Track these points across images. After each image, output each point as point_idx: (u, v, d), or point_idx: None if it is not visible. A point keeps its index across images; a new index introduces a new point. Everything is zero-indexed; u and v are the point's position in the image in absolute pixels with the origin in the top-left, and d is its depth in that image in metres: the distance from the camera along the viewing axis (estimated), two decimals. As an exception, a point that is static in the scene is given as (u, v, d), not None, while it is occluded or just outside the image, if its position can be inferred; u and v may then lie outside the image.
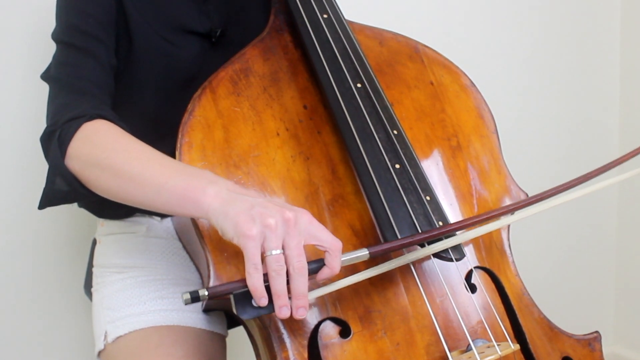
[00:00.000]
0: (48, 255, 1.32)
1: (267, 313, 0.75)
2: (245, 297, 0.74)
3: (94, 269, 1.12)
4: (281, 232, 0.72)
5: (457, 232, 0.87)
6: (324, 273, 0.76)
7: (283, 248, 0.72)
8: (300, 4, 0.99)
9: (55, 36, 0.98)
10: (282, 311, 0.73)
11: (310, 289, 0.77)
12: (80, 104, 0.89)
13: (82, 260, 1.20)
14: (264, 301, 0.73)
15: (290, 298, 0.74)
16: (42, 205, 0.92)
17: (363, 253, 0.79)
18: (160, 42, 1.01)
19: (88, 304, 1.12)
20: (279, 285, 0.72)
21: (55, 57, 0.97)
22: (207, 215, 0.76)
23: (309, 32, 0.97)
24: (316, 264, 0.76)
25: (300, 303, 0.74)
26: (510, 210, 0.88)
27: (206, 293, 0.73)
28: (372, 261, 0.82)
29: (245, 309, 0.75)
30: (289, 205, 0.76)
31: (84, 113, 0.87)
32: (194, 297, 0.73)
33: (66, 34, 0.97)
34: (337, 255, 0.75)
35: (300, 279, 0.73)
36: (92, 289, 1.11)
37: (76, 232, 1.31)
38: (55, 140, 0.86)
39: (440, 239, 0.85)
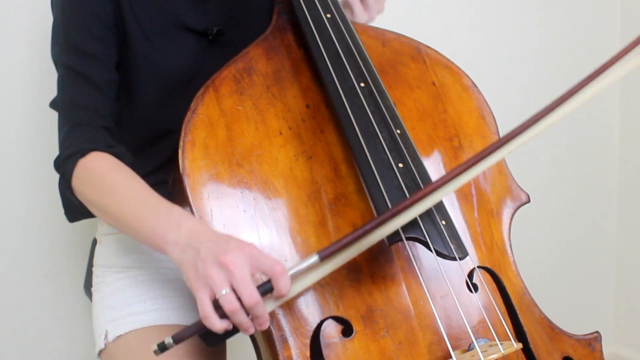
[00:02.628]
0: (48, 255, 1.31)
1: (234, 334, 0.80)
2: (210, 331, 0.79)
3: (94, 269, 1.12)
4: (223, 276, 0.76)
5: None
6: (274, 296, 0.79)
7: (231, 287, 0.76)
8: (304, 3, 0.99)
9: (55, 56, 1.00)
10: (249, 331, 0.79)
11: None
12: (76, 137, 0.95)
13: (82, 260, 1.20)
14: (229, 328, 0.78)
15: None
16: (70, 220, 1.03)
17: (313, 259, 0.80)
18: (155, 43, 1.01)
19: (88, 304, 1.12)
20: (237, 320, 0.78)
21: (58, 81, 1.00)
22: (173, 262, 0.82)
23: (312, 32, 0.97)
24: (265, 285, 0.78)
25: (261, 321, 0.79)
26: (500, 145, 0.84)
27: (172, 341, 0.78)
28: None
29: (213, 340, 0.81)
30: (231, 244, 0.78)
31: (77, 150, 0.92)
32: (161, 347, 0.78)
33: (64, 54, 0.98)
34: (278, 279, 0.77)
35: (256, 309, 0.77)
36: (92, 289, 1.10)
37: (76, 232, 1.31)
38: (61, 176, 0.94)
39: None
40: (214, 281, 0.76)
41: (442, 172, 0.98)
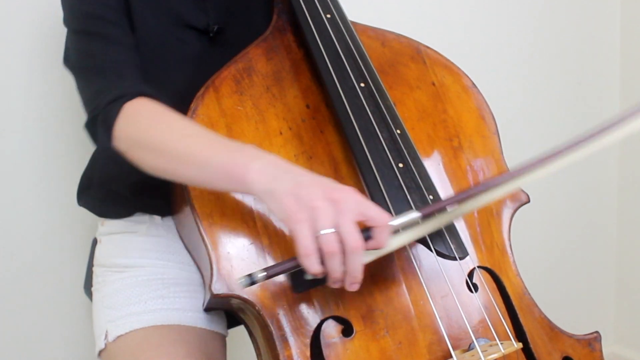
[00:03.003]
0: (48, 255, 1.31)
1: (320, 285, 0.77)
2: (299, 273, 0.75)
3: (94, 269, 1.12)
4: (330, 212, 0.70)
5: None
6: (371, 246, 0.74)
7: (335, 227, 0.71)
8: (304, 3, 0.99)
9: (70, 25, 0.98)
10: (336, 285, 0.75)
11: None
12: (118, 85, 0.89)
13: (82, 260, 1.19)
14: (321, 276, 0.74)
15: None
16: (79, 200, 0.95)
17: (414, 215, 0.78)
18: (161, 33, 1.01)
19: (88, 304, 1.11)
20: (334, 265, 0.72)
21: (74, 46, 0.96)
22: (251, 192, 0.76)
23: (312, 32, 0.97)
24: (364, 233, 0.74)
25: (354, 279, 0.74)
26: (515, 176, 0.83)
27: (264, 274, 0.74)
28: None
29: (300, 284, 0.77)
30: (334, 183, 0.75)
31: (123, 93, 0.87)
32: (250, 280, 0.73)
33: (82, 22, 0.96)
34: (385, 230, 0.74)
35: (356, 258, 0.72)
36: (93, 289, 1.10)
37: (76, 232, 1.31)
38: (100, 124, 0.87)
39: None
40: (320, 215, 0.70)
41: (442, 173, 0.98)
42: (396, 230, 0.78)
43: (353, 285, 0.75)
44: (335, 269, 0.72)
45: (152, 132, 0.84)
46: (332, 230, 0.70)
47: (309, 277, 0.75)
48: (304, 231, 0.70)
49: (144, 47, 1.00)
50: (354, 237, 0.71)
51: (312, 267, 0.71)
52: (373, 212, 0.74)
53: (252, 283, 0.74)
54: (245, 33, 1.03)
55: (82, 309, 1.30)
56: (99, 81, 0.91)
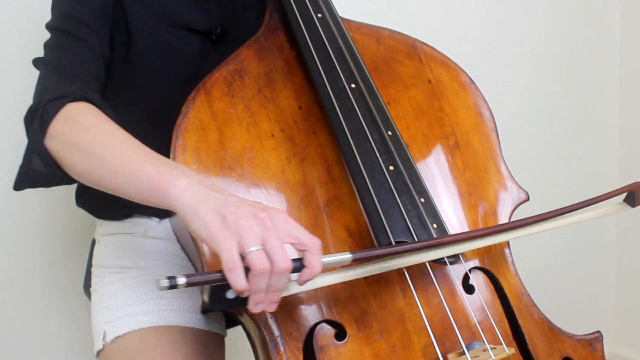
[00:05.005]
0: (48, 255, 1.32)
1: (239, 306, 0.73)
2: (221, 288, 0.72)
3: (92, 269, 1.12)
4: (258, 230, 0.68)
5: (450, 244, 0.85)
6: (306, 274, 0.71)
7: (263, 246, 0.68)
8: (294, 3, 0.98)
9: (49, 24, 0.98)
10: (257, 307, 0.71)
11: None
12: (67, 85, 0.87)
13: (82, 260, 1.20)
14: (245, 293, 0.70)
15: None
16: (17, 186, 0.89)
17: (346, 256, 0.75)
18: (162, 36, 1.00)
19: (88, 304, 1.12)
20: (259, 285, 0.69)
21: (47, 42, 0.96)
22: (175, 208, 0.72)
23: (303, 32, 0.96)
24: (297, 262, 0.71)
25: (275, 298, 0.72)
26: (511, 228, 0.87)
27: (184, 281, 0.68)
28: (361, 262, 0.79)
29: (218, 301, 0.73)
30: (262, 204, 0.73)
31: (69, 94, 0.85)
32: (171, 285, 0.68)
33: (60, 22, 0.96)
34: (317, 254, 0.71)
35: (282, 278, 0.70)
36: (91, 289, 1.11)
37: (76, 232, 1.31)
38: (37, 119, 0.84)
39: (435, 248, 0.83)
40: (247, 234, 0.67)
41: (436, 173, 0.97)
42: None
43: (272, 305, 0.72)
44: (260, 288, 0.69)
45: (87, 134, 0.81)
46: (259, 247, 0.67)
47: (230, 295, 0.72)
48: (229, 246, 0.67)
49: (142, 51, 1.00)
50: (283, 257, 0.68)
51: (238, 282, 0.67)
52: (303, 235, 0.70)
53: (172, 287, 0.68)
54: (245, 34, 1.01)
55: (82, 309, 1.31)
56: (54, 78, 0.89)
